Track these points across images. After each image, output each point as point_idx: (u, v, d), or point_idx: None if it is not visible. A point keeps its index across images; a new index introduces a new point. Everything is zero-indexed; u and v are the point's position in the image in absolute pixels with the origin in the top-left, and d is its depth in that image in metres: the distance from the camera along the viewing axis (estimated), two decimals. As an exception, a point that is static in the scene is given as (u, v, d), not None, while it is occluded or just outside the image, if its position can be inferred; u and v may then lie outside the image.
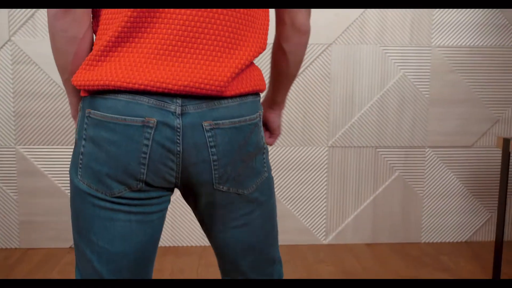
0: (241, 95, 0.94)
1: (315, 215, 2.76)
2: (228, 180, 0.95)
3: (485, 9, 2.68)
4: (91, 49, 0.96)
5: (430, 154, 2.76)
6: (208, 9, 0.89)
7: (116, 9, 0.90)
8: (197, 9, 0.88)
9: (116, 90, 0.89)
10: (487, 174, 2.79)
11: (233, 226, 1.01)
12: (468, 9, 2.67)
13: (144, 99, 0.88)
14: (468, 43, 2.70)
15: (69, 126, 2.59)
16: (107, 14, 0.92)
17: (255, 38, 0.95)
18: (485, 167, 2.78)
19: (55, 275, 2.32)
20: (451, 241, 2.84)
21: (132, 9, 0.88)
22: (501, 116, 2.76)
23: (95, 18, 0.95)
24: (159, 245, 2.70)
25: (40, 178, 2.62)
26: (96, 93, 0.91)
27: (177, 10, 0.88)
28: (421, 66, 2.69)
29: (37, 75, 2.55)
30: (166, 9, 0.88)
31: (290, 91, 2.66)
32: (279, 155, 2.69)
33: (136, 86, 0.87)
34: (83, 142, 0.92)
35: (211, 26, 0.90)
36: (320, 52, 2.64)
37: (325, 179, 2.73)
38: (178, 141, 0.89)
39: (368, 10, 2.63)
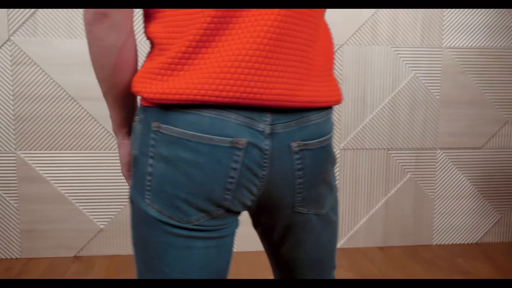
0: (328, 107, 0.86)
1: (326, 219, 2.70)
2: (310, 202, 0.88)
3: (495, 10, 2.67)
4: (135, 58, 0.84)
5: (441, 156, 2.74)
6: (297, 9, 0.80)
7: (193, 9, 0.77)
8: (286, 9, 0.79)
9: (199, 104, 0.76)
10: (497, 175, 2.79)
11: (306, 243, 0.95)
12: (478, 11, 2.66)
13: (232, 116, 0.77)
14: (478, 44, 2.69)
15: (72, 130, 2.47)
16: (179, 15, 0.79)
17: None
18: (495, 168, 2.78)
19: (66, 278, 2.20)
20: (462, 242, 2.82)
21: (215, 9, 0.76)
22: (511, 117, 2.76)
23: (155, 19, 0.81)
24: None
25: (42, 185, 2.49)
26: (171, 106, 0.78)
27: (264, 10, 0.77)
28: (432, 67, 2.67)
29: (38, 76, 2.43)
30: (253, 9, 0.77)
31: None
32: (291, 158, 2.63)
33: (226, 99, 0.75)
34: (150, 161, 0.80)
35: (297, 28, 0.80)
36: (332, 53, 2.59)
37: (337, 182, 2.68)
38: (265, 164, 0.80)
39: (380, 11, 2.59)
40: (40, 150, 2.47)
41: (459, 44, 2.68)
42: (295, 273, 1.00)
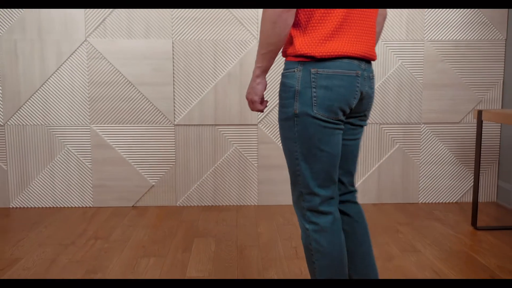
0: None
1: (330, 180, 3.36)
2: (366, 115, 1.58)
3: (469, 9, 3.27)
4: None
5: (425, 129, 3.35)
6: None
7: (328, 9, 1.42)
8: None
9: (340, 56, 1.43)
10: (473, 145, 3.37)
11: (356, 138, 1.63)
12: (455, 9, 3.27)
13: (355, 61, 1.45)
14: (455, 38, 3.29)
15: (131, 108, 3.24)
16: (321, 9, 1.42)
17: None
18: (471, 139, 3.36)
19: (126, 222, 2.96)
20: (444, 201, 3.42)
21: (346, 10, 1.43)
22: (483, 97, 3.34)
23: (305, 10, 1.43)
24: (204, 204, 3.34)
25: (109, 150, 3.27)
26: (324, 59, 1.41)
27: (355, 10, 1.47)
28: (416, 57, 3.29)
29: (107, 68, 3.21)
30: (358, 9, 1.45)
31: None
32: (300, 131, 3.31)
33: (352, 54, 1.45)
34: (314, 90, 1.42)
35: (366, 15, 1.49)
36: (333, 47, 3.26)
37: (338, 150, 3.34)
38: (364, 85, 1.49)
39: (372, 11, 3.24)
40: (108, 123, 3.26)
41: (439, 38, 3.28)
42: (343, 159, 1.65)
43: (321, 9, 1.43)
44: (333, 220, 1.49)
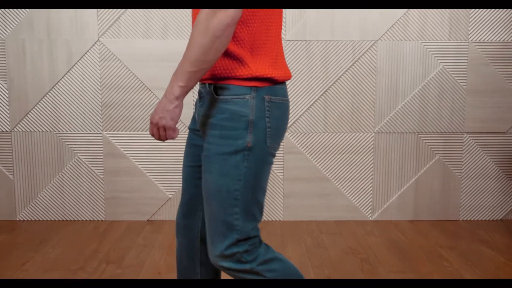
0: None
1: (362, 194, 3.08)
2: None
3: (519, 8, 2.95)
4: None
5: (467, 139, 3.05)
6: None
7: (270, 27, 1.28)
8: None
9: (285, 80, 1.33)
10: (521, 158, 3.06)
11: None
12: (503, 8, 2.95)
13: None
14: (502, 38, 2.97)
15: (147, 115, 2.99)
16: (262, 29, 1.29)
17: None
18: (518, 151, 3.06)
19: (140, 241, 2.71)
20: (487, 219, 3.12)
21: (278, 23, 1.31)
22: (534, 104, 3.03)
23: (248, 25, 1.25)
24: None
25: (122, 160, 3.02)
26: (275, 84, 1.29)
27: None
28: (459, 60, 2.99)
29: (121, 70, 2.96)
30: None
31: (342, 83, 3.00)
32: (331, 140, 3.03)
33: (290, 77, 1.35)
34: (268, 120, 1.27)
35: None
36: (367, 48, 2.97)
37: (372, 161, 3.05)
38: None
39: (411, 10, 2.94)
40: (121, 131, 3.01)
41: (484, 39, 2.97)
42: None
43: (263, 25, 1.25)
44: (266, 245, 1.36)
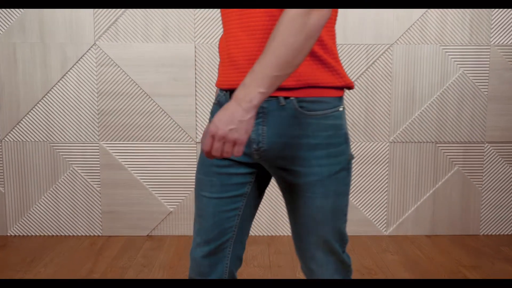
0: None
1: (376, 207, 2.89)
2: None
3: (544, 8, 2.76)
4: None
5: (488, 149, 2.86)
6: None
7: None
8: None
9: None
10: (546, 169, 2.86)
11: None
12: (527, 9, 2.76)
13: None
14: (526, 42, 2.78)
15: (147, 123, 2.80)
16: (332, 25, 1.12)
17: None
18: (543, 161, 2.86)
19: (139, 259, 2.52)
20: (510, 234, 2.92)
21: None
22: (560, 112, 2.83)
23: (328, 28, 1.12)
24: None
25: (120, 171, 2.83)
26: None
27: None
28: (480, 64, 2.80)
29: (119, 76, 2.77)
30: None
31: (355, 89, 2.80)
32: (342, 150, 2.84)
33: None
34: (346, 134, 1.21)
35: None
36: (382, 52, 2.78)
37: (387, 172, 2.86)
38: None
39: (429, 11, 2.75)
40: (119, 141, 2.82)
41: (507, 42, 2.78)
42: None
43: (334, 26, 1.16)
44: None
